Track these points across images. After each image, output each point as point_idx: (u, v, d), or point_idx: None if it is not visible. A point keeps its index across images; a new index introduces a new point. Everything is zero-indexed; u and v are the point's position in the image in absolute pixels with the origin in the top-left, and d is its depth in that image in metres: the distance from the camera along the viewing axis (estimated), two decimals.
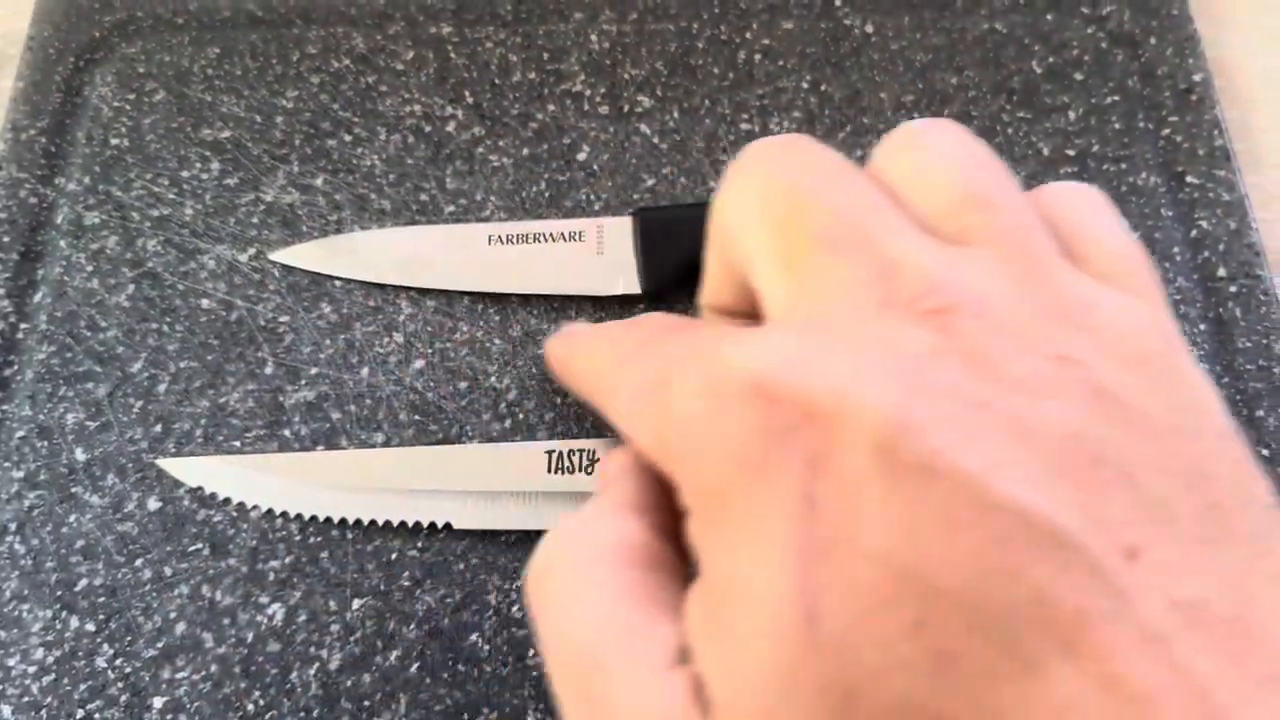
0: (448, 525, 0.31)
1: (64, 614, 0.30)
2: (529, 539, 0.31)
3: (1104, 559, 0.14)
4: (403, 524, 0.31)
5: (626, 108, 0.38)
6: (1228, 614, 0.14)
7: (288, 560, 0.31)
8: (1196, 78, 0.39)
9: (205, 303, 0.35)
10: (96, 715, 0.29)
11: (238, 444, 0.33)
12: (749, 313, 0.21)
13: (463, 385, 0.33)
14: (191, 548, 0.31)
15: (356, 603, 0.30)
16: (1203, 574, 0.14)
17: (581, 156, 0.37)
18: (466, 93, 0.39)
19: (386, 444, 0.33)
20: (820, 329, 0.16)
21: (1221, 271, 0.35)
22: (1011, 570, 0.14)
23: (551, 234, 0.35)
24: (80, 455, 0.32)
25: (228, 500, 0.32)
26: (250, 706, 0.29)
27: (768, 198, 0.18)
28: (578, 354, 0.24)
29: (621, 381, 0.20)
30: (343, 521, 0.31)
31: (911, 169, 0.19)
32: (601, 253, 0.34)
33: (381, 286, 0.35)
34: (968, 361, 0.15)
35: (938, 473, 0.14)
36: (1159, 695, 0.13)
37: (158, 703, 0.29)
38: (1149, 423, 0.15)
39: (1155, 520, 0.15)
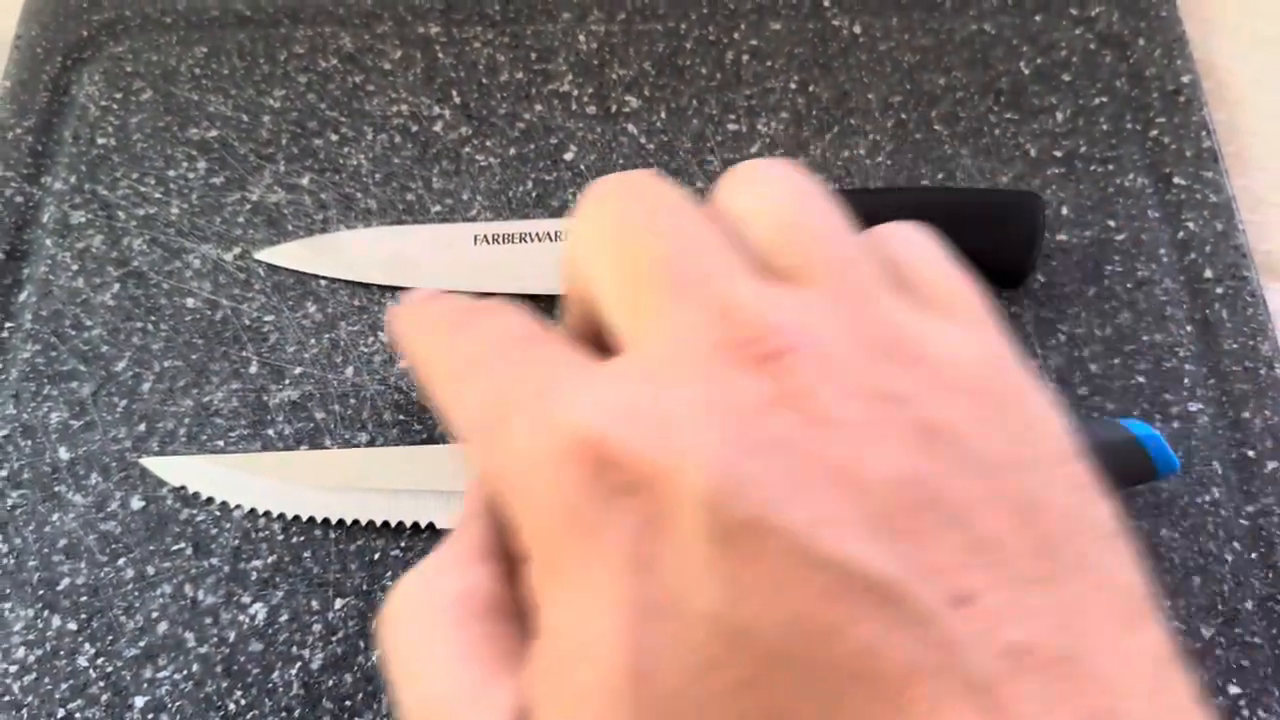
0: (431, 525, 0.31)
1: (46, 613, 0.30)
2: None
3: (932, 609, 0.14)
4: (386, 524, 0.31)
5: (614, 108, 0.38)
6: (1056, 654, 0.14)
7: (270, 560, 0.31)
8: (1185, 79, 0.39)
9: (190, 302, 0.35)
10: (78, 714, 0.29)
11: (221, 443, 0.33)
12: (604, 342, 0.21)
13: None
14: (174, 547, 0.31)
15: (339, 602, 0.30)
16: (1033, 616, 0.14)
17: (569, 156, 0.37)
18: (454, 92, 0.39)
19: (370, 444, 0.32)
20: (655, 379, 0.16)
21: (1208, 273, 0.35)
22: (837, 627, 0.14)
23: (538, 234, 0.35)
24: (64, 454, 0.32)
25: (211, 499, 0.32)
26: (232, 706, 0.29)
27: (610, 235, 0.18)
28: (420, 342, 0.22)
29: (460, 399, 0.19)
30: (326, 521, 0.31)
31: (744, 208, 0.19)
32: None
33: (367, 286, 0.35)
34: (800, 409, 0.15)
35: (764, 530, 0.14)
36: None
37: (139, 702, 0.29)
38: (979, 458, 0.15)
39: (986, 563, 0.14)
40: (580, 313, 0.21)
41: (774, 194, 0.19)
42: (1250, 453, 0.32)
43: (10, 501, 0.32)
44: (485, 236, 0.35)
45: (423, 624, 0.18)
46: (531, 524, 0.17)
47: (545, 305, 0.35)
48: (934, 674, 0.14)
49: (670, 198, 0.19)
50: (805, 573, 0.14)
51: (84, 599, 0.30)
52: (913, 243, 0.19)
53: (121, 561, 0.31)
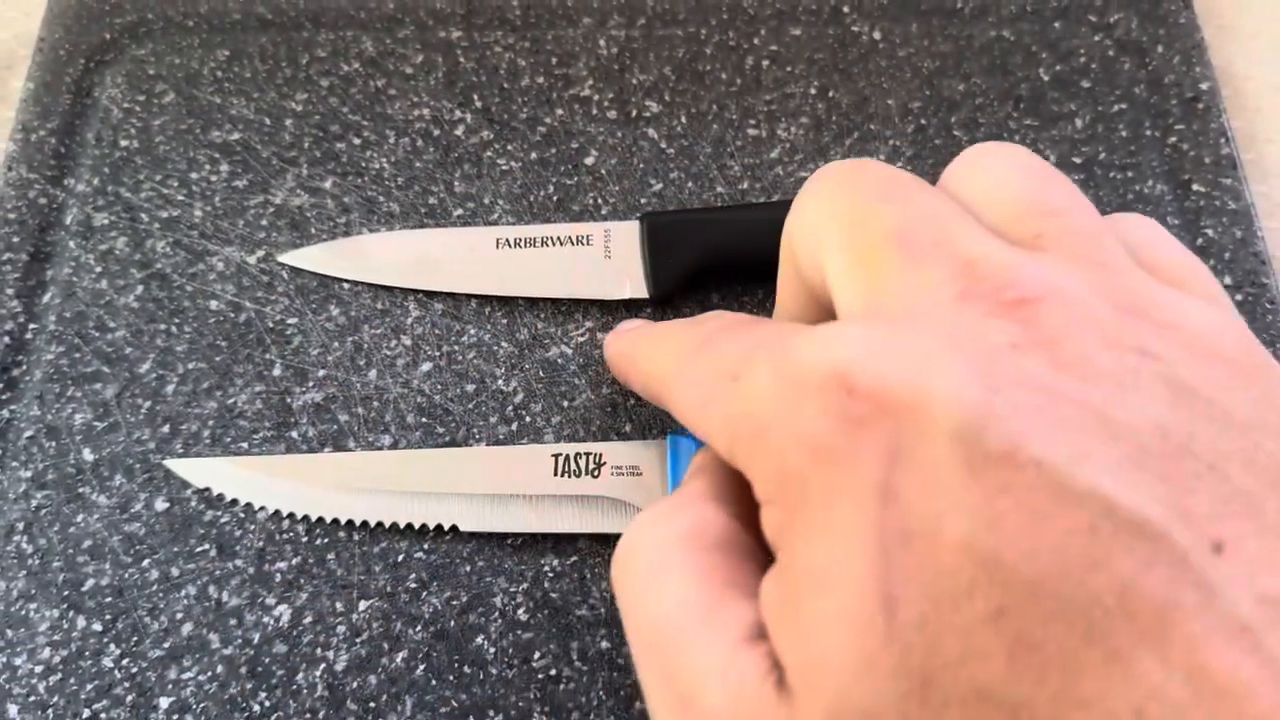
0: (454, 527, 0.31)
1: (71, 614, 0.30)
2: (535, 542, 0.31)
3: (1191, 551, 0.14)
4: (409, 526, 0.31)
5: (634, 113, 0.38)
6: None
7: (294, 561, 0.31)
8: (1203, 86, 0.39)
9: (214, 304, 0.35)
10: (103, 715, 0.29)
11: (245, 445, 0.33)
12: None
13: (470, 388, 0.33)
14: (199, 548, 0.31)
15: (363, 604, 0.30)
16: None
17: (589, 161, 0.37)
18: (475, 97, 0.39)
19: (394, 446, 0.33)
20: (899, 321, 0.17)
21: (1227, 280, 0.35)
22: (1096, 561, 0.14)
23: (559, 238, 0.35)
24: (88, 455, 0.32)
25: (235, 501, 0.32)
26: (256, 707, 0.29)
27: (840, 205, 0.19)
28: (640, 351, 0.24)
29: (689, 377, 0.20)
30: (350, 523, 0.31)
31: (982, 184, 0.19)
32: (609, 257, 0.34)
33: (389, 289, 0.35)
34: (1050, 353, 0.16)
35: (1020, 462, 0.14)
36: (1248, 686, 0.13)
37: (164, 703, 0.29)
38: (1231, 418, 0.16)
39: (1241, 513, 0.15)
40: (798, 300, 0.21)
41: (1014, 170, 0.19)
42: None
43: (35, 502, 0.32)
44: (507, 240, 0.35)
45: (656, 553, 0.19)
46: (773, 463, 0.17)
47: (566, 309, 0.35)
48: (1193, 614, 0.14)
49: (896, 172, 0.19)
50: (1064, 506, 0.14)
51: (109, 600, 0.31)
52: (1146, 226, 0.20)
53: (146, 563, 0.31)
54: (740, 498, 0.20)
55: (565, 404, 0.33)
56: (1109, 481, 0.14)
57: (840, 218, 0.18)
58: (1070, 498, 0.14)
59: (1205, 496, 0.15)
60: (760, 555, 0.19)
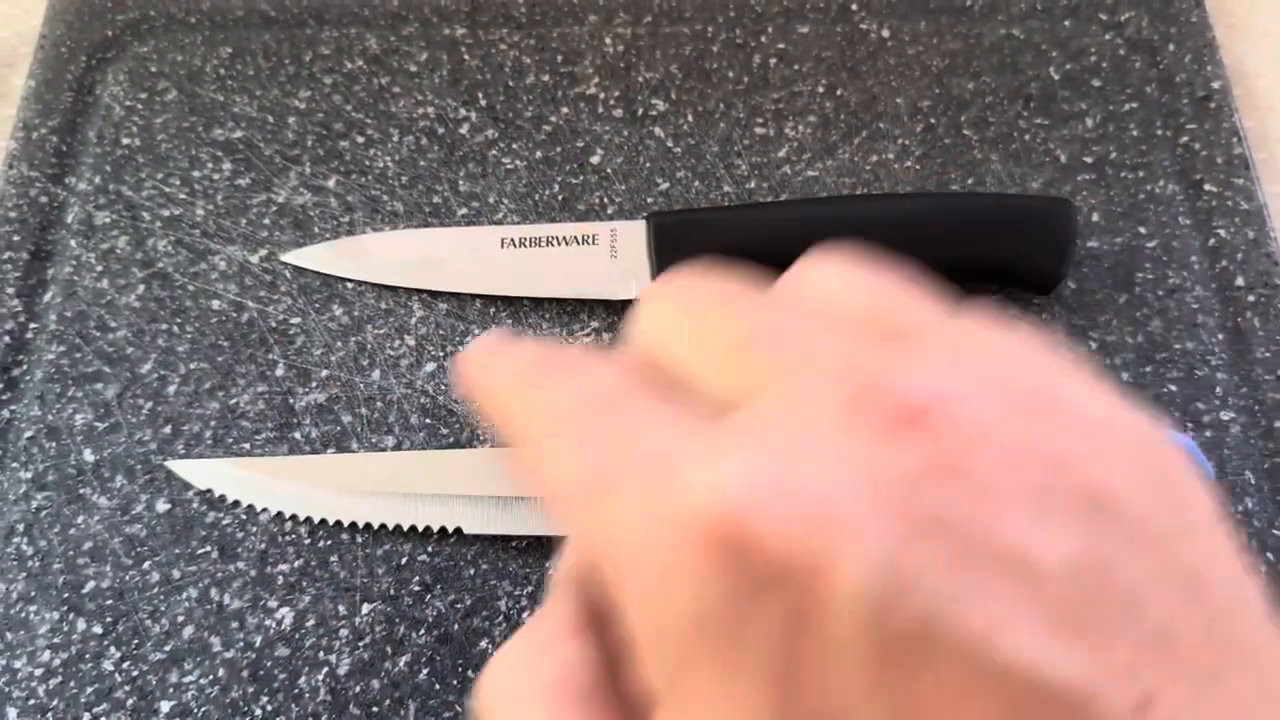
0: (458, 530, 0.31)
1: (71, 616, 0.30)
2: (540, 544, 0.31)
3: (1117, 717, 0.13)
4: (413, 528, 0.31)
5: (640, 111, 0.38)
6: None
7: (297, 564, 0.31)
8: (1215, 85, 0.39)
9: (216, 304, 0.34)
10: (103, 718, 0.29)
11: (247, 446, 0.32)
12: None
13: None
14: (200, 550, 0.31)
15: (366, 607, 0.30)
16: (1216, 718, 0.13)
17: (595, 160, 0.37)
18: (480, 95, 0.38)
19: (397, 447, 0.32)
20: (787, 446, 0.14)
21: (1240, 280, 0.35)
22: None
23: (564, 237, 0.35)
24: (89, 456, 0.32)
25: (237, 503, 0.31)
26: (258, 711, 0.29)
27: (689, 309, 0.17)
28: (499, 390, 0.20)
29: (554, 460, 0.17)
30: (353, 525, 0.31)
31: (821, 292, 0.18)
32: (615, 256, 0.34)
33: (393, 289, 0.35)
34: (958, 481, 0.14)
35: (935, 638, 0.13)
36: None
37: (165, 706, 0.29)
38: (1145, 527, 0.14)
39: (1164, 659, 0.14)
40: (650, 375, 0.18)
41: (847, 277, 0.17)
42: None
43: (35, 504, 0.32)
44: (512, 240, 0.35)
45: (517, 708, 0.17)
46: (647, 614, 0.15)
47: (571, 309, 0.34)
48: None
49: (737, 284, 0.17)
50: (984, 684, 0.13)
51: (109, 602, 0.30)
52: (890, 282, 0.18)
53: (147, 565, 0.31)
54: (609, 623, 0.18)
55: None
56: (1030, 649, 0.13)
57: (689, 319, 0.17)
58: (989, 675, 0.13)
59: (1126, 643, 0.13)
60: (636, 691, 0.17)
